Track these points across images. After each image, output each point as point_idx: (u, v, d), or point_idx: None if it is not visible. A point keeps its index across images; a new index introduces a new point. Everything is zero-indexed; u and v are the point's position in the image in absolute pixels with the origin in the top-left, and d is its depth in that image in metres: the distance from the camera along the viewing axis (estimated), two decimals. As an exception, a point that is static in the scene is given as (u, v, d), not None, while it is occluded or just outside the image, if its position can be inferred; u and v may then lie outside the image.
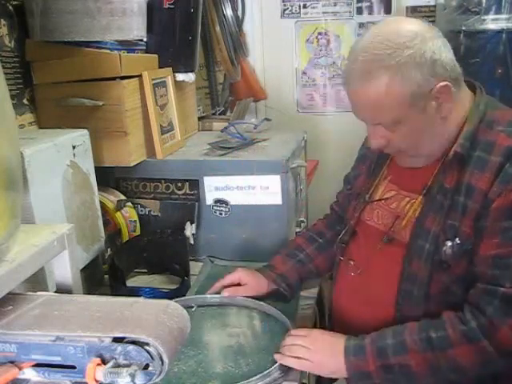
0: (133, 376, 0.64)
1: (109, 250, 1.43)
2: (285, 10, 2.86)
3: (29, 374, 0.70)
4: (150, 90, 1.49)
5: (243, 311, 1.26)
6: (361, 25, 2.78)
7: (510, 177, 0.95)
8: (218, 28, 2.38)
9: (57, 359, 0.68)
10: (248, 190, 1.49)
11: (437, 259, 1.01)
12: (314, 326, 1.28)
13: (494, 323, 0.93)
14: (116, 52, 1.39)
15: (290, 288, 1.29)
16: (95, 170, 1.31)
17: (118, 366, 0.66)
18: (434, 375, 0.97)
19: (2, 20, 1.33)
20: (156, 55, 1.57)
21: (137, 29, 1.44)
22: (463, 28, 2.11)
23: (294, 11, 2.85)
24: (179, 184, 1.54)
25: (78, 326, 0.69)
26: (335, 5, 2.81)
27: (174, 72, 1.65)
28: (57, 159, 1.14)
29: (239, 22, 2.58)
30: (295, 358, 1.03)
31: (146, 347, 0.66)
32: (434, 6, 2.60)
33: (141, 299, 0.77)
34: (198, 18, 1.68)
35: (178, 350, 0.72)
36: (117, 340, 0.66)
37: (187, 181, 1.53)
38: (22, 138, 1.08)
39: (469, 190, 0.99)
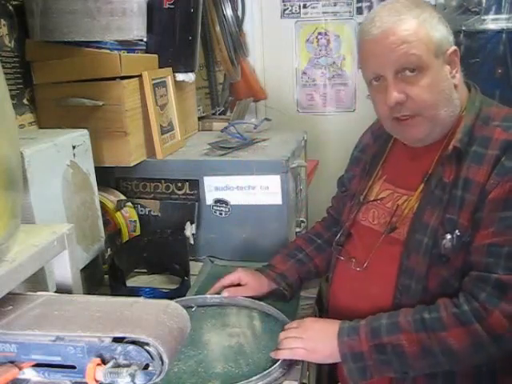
0: (133, 376, 0.64)
1: (109, 249, 1.42)
2: (285, 10, 2.86)
3: (29, 373, 0.70)
4: (150, 90, 1.49)
5: (243, 311, 1.26)
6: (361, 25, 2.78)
7: (507, 169, 0.96)
8: (218, 28, 2.37)
9: (57, 359, 0.68)
10: (248, 189, 1.49)
11: (435, 253, 1.02)
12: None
13: (487, 307, 0.94)
14: (116, 52, 1.39)
15: (289, 287, 1.30)
16: (95, 170, 1.31)
17: (118, 365, 0.66)
18: (426, 357, 0.98)
19: (2, 20, 1.33)
20: (156, 55, 1.57)
21: (137, 29, 1.44)
22: (463, 28, 2.12)
23: (293, 11, 2.85)
24: (179, 184, 1.54)
25: (78, 326, 0.69)
26: (335, 5, 2.81)
27: (174, 72, 1.65)
28: (57, 159, 1.14)
29: (239, 22, 2.58)
30: (288, 349, 1.04)
31: (146, 347, 0.66)
32: (434, 6, 2.60)
33: (141, 299, 0.77)
34: (198, 18, 1.68)
35: (178, 350, 0.71)
36: (117, 340, 0.66)
37: (187, 181, 1.53)
38: (22, 138, 1.08)
39: (466, 183, 1.00)
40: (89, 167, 1.27)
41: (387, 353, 0.99)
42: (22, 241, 0.78)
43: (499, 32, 2.07)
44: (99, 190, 1.34)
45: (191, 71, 1.73)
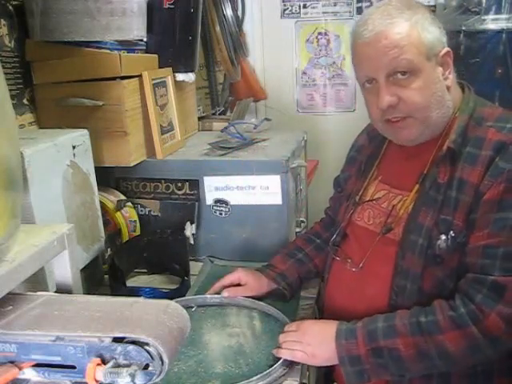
0: (133, 376, 0.64)
1: (109, 249, 1.42)
2: (285, 10, 2.86)
3: (29, 373, 0.70)
4: (150, 90, 1.49)
5: (243, 311, 1.26)
6: (361, 25, 2.78)
7: (501, 170, 0.96)
8: (218, 28, 2.38)
9: (57, 359, 0.68)
10: (248, 189, 1.49)
11: (430, 254, 1.02)
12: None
13: (483, 310, 0.94)
14: (116, 52, 1.39)
15: (289, 287, 1.30)
16: (95, 170, 1.31)
17: (118, 365, 0.66)
18: (423, 361, 0.98)
19: (2, 20, 1.33)
20: (156, 55, 1.57)
21: (137, 29, 1.44)
22: (463, 28, 2.11)
23: (294, 11, 2.85)
24: (179, 184, 1.54)
25: (78, 326, 0.69)
26: (335, 5, 2.81)
27: (174, 72, 1.65)
28: (57, 159, 1.14)
29: (239, 22, 2.58)
30: (289, 350, 1.04)
31: (146, 347, 0.66)
32: (434, 6, 2.60)
33: (141, 299, 0.77)
34: (198, 18, 1.68)
35: (178, 350, 0.72)
36: (117, 340, 0.66)
37: (187, 181, 1.53)
38: (21, 138, 1.08)
39: (460, 184, 1.00)
40: (89, 167, 1.27)
41: (384, 356, 0.99)
42: (22, 241, 0.78)
43: (499, 32, 2.07)
44: (99, 190, 1.34)
45: (191, 71, 1.73)
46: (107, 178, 1.53)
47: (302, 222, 1.69)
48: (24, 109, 1.42)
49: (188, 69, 1.71)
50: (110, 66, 1.37)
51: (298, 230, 1.64)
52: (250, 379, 0.98)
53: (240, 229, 1.52)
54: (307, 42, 2.89)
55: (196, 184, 1.53)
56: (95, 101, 1.39)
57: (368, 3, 2.76)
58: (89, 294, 0.94)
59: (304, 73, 2.94)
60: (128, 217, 1.52)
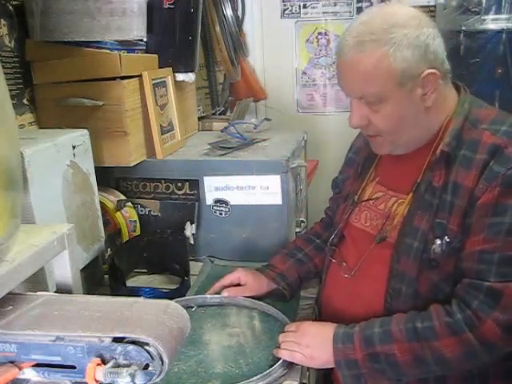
0: (133, 376, 0.64)
1: (109, 249, 1.42)
2: (285, 10, 2.86)
3: (29, 373, 0.70)
4: (150, 89, 1.49)
5: (243, 311, 1.26)
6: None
7: (495, 174, 0.95)
8: (218, 28, 2.38)
9: (57, 359, 0.68)
10: (248, 189, 1.49)
11: (425, 257, 1.01)
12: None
13: (479, 316, 0.94)
14: (116, 52, 1.38)
15: (289, 287, 1.30)
16: (95, 170, 1.31)
17: (118, 365, 0.66)
18: (419, 366, 0.98)
19: (2, 20, 1.33)
20: (156, 55, 1.57)
21: (137, 29, 1.44)
22: (463, 28, 2.11)
23: (293, 11, 2.85)
24: (179, 184, 1.54)
25: (78, 326, 0.69)
26: (335, 5, 2.81)
27: (174, 72, 1.65)
28: (57, 159, 1.14)
29: (239, 22, 2.58)
30: (288, 351, 1.05)
31: (146, 347, 0.66)
32: (434, 6, 2.60)
33: (141, 299, 0.77)
34: (198, 18, 1.68)
35: (178, 350, 0.72)
36: (117, 340, 0.66)
37: (187, 181, 1.53)
38: (21, 138, 1.08)
39: (455, 188, 0.99)
40: (89, 167, 1.27)
41: (380, 361, 0.99)
42: (22, 241, 0.78)
43: (499, 32, 2.07)
44: (99, 189, 1.34)
45: (191, 71, 1.73)
46: (107, 178, 1.53)
47: (302, 221, 1.69)
48: (24, 109, 1.42)
49: (188, 69, 1.71)
50: (110, 66, 1.37)
51: (298, 230, 1.64)
52: (250, 379, 0.98)
53: (240, 229, 1.52)
54: (307, 42, 2.89)
55: (196, 184, 1.52)
56: (95, 101, 1.39)
57: (368, 3, 2.76)
58: (89, 293, 0.94)
59: (304, 73, 2.94)
60: (128, 217, 1.52)
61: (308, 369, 1.13)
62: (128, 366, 0.65)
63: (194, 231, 1.52)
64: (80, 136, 1.23)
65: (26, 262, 0.75)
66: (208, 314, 1.25)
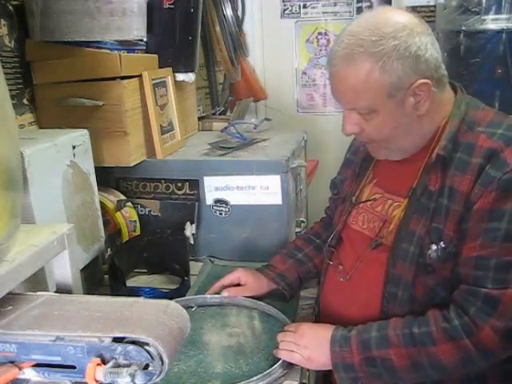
0: (133, 376, 0.64)
1: (109, 249, 1.43)
2: (285, 9, 2.86)
3: (29, 373, 0.70)
4: (150, 90, 1.49)
5: (243, 311, 1.26)
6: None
7: (491, 178, 0.94)
8: (218, 28, 2.38)
9: (57, 359, 0.68)
10: (248, 189, 1.49)
11: (421, 262, 1.01)
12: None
13: (476, 323, 0.94)
14: (116, 52, 1.39)
15: (289, 287, 1.30)
16: (95, 170, 1.31)
17: (118, 365, 0.66)
18: (416, 371, 0.98)
19: (2, 20, 1.33)
20: (156, 55, 1.57)
21: (137, 29, 1.44)
22: (463, 28, 2.11)
23: (294, 11, 2.85)
24: (179, 184, 1.54)
25: (78, 326, 0.69)
26: (335, 5, 2.81)
27: (174, 72, 1.65)
28: (57, 159, 1.14)
29: (239, 22, 2.58)
30: (287, 351, 1.05)
31: (146, 347, 0.66)
32: (434, 6, 2.60)
33: (141, 299, 0.77)
34: (198, 18, 1.68)
35: (178, 350, 0.72)
36: (117, 340, 0.66)
37: (187, 181, 1.53)
38: (21, 138, 1.08)
39: (451, 192, 0.98)
40: (89, 167, 1.28)
41: (377, 366, 0.99)
42: (22, 241, 0.78)
43: (499, 32, 2.07)
44: (99, 189, 1.34)
45: (191, 71, 1.73)
46: (107, 178, 1.53)
47: (302, 221, 1.69)
48: (24, 109, 1.42)
49: (188, 69, 1.71)
50: (110, 66, 1.37)
51: (298, 230, 1.64)
52: (250, 379, 0.98)
53: (240, 229, 1.52)
54: (307, 41, 2.89)
55: (196, 184, 1.52)
56: (95, 101, 1.39)
57: (368, 3, 2.76)
58: (89, 293, 0.94)
59: (304, 73, 2.94)
60: (128, 217, 1.52)
61: (308, 369, 1.12)
62: (128, 366, 0.65)
63: (193, 231, 1.52)
64: (80, 136, 1.23)
65: (26, 262, 0.75)
66: (208, 314, 1.25)
